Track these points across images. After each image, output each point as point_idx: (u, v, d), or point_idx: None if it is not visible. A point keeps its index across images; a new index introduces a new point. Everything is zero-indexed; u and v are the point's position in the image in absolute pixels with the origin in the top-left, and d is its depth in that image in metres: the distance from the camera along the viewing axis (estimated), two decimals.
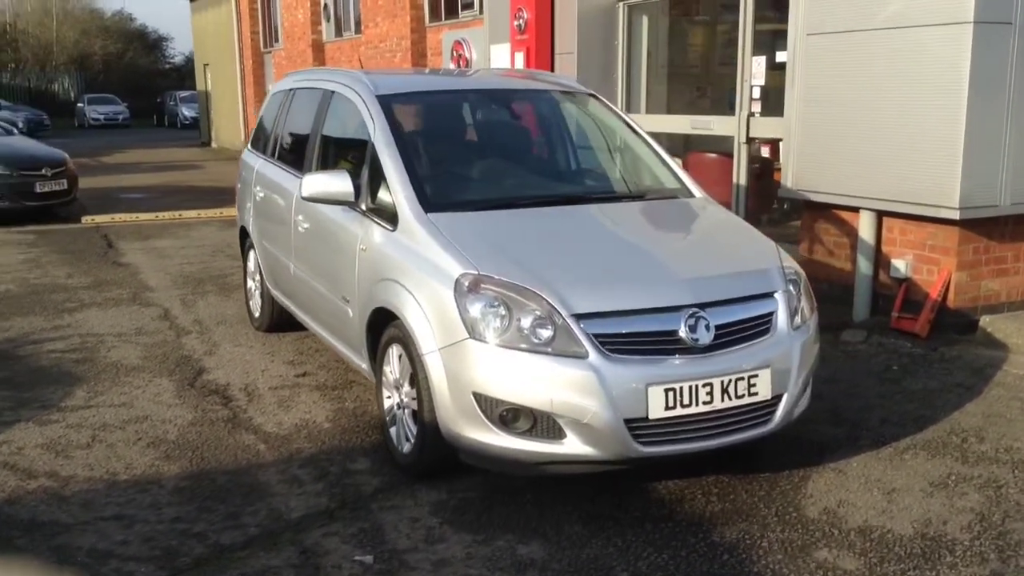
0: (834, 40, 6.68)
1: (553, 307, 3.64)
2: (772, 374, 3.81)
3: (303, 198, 4.59)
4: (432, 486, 4.04)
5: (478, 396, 3.67)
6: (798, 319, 4.08)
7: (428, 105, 5.11)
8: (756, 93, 7.97)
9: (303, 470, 4.25)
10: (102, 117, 40.57)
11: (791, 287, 4.14)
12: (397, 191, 4.32)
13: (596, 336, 3.63)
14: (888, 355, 5.83)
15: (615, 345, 3.64)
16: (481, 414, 3.68)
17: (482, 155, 4.97)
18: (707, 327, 3.73)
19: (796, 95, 7.06)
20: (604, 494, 3.95)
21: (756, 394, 3.79)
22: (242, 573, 3.38)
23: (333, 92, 5.24)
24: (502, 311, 3.66)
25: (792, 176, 7.15)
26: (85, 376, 5.64)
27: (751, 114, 7.99)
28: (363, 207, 4.51)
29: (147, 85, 46.28)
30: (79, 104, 42.35)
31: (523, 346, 3.61)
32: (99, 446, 4.53)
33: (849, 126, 6.58)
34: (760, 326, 3.91)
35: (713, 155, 8.89)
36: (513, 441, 3.66)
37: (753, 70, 8.01)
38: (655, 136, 9.30)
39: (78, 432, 4.71)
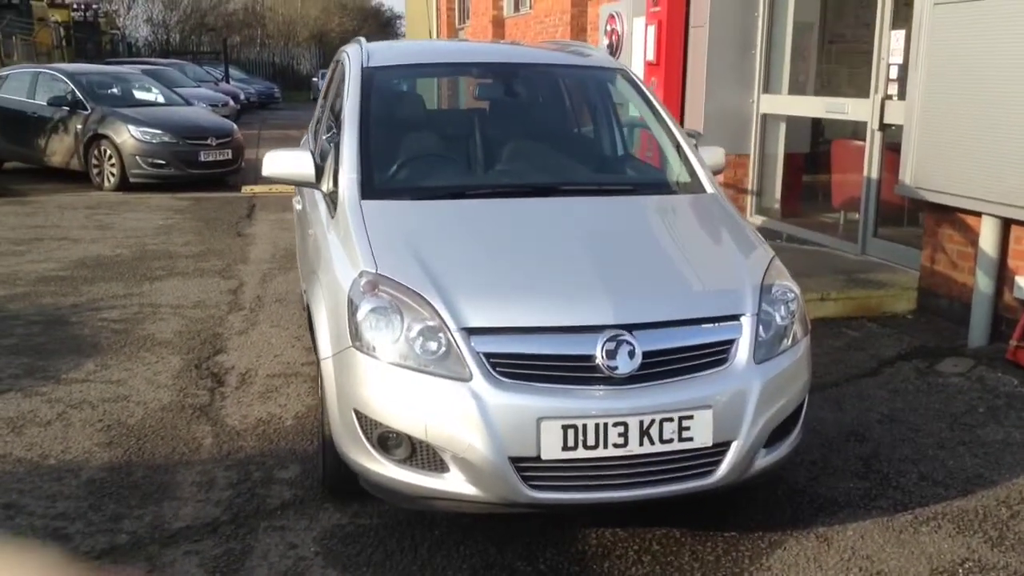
0: (964, 10, 5.59)
1: (441, 318, 3.10)
2: (715, 416, 3.09)
3: (263, 176, 4.25)
4: (341, 506, 3.61)
5: (359, 414, 3.19)
6: (786, 342, 3.33)
7: (419, 79, 4.63)
8: (894, 73, 6.88)
9: (227, 472, 3.94)
10: None
11: (777, 309, 3.37)
12: (342, 173, 3.89)
13: (488, 356, 3.05)
14: (982, 394, 4.80)
15: (510, 368, 3.04)
16: (362, 435, 3.20)
17: (460, 136, 4.43)
18: (630, 354, 3.06)
19: (919, 77, 6.00)
20: (520, 539, 3.38)
21: (690, 440, 3.08)
22: None
23: (339, 63, 4.87)
24: (395, 318, 3.15)
25: (911, 171, 6.10)
26: (108, 348, 5.61)
27: (887, 97, 6.92)
28: (324, 189, 4.11)
29: None
30: (313, 79, 44.58)
31: (405, 361, 3.09)
32: (57, 425, 4.42)
33: (977, 113, 5.50)
34: (710, 356, 3.18)
35: (860, 143, 7.83)
36: (393, 469, 3.16)
37: (891, 46, 6.93)
38: (790, 120, 8.50)
39: (51, 408, 4.63)
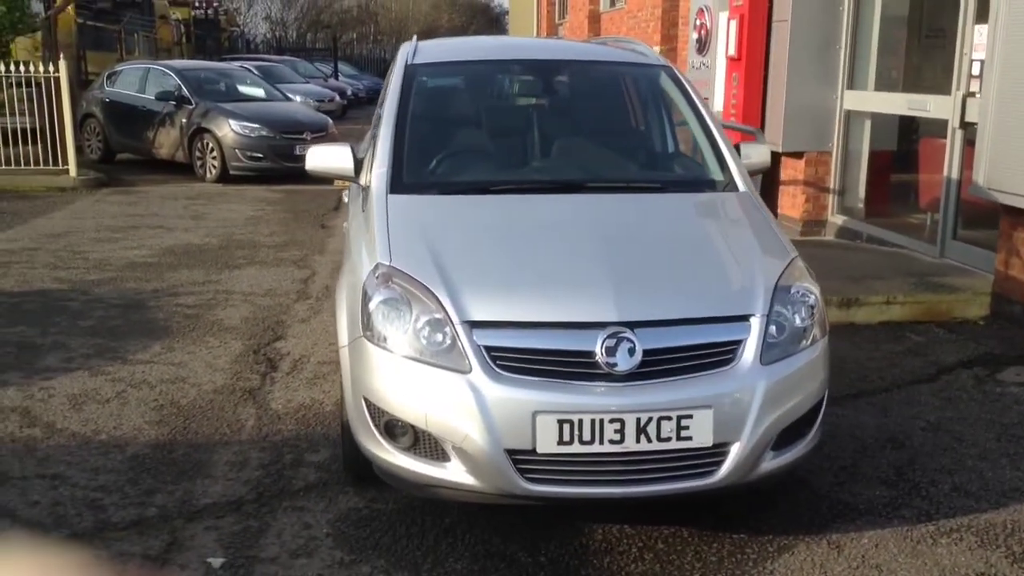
0: None
1: (446, 311, 3.17)
2: (715, 417, 3.07)
3: (307, 170, 4.39)
4: (361, 490, 3.72)
5: (368, 402, 3.29)
6: (805, 342, 3.28)
7: (460, 76, 4.68)
8: (976, 69, 6.62)
9: (261, 453, 4.10)
10: None
11: (796, 311, 3.32)
12: (374, 167, 4.00)
13: (488, 349, 3.10)
14: None
15: (510, 362, 3.09)
16: (371, 422, 3.30)
17: (495, 132, 4.47)
18: (630, 351, 3.06)
19: (995, 72, 5.77)
20: (525, 531, 3.42)
21: (689, 439, 3.06)
22: (95, 554, 3.29)
23: (390, 61, 4.98)
24: (404, 310, 3.24)
25: (984, 171, 5.88)
26: (177, 332, 5.87)
27: (969, 94, 6.67)
28: (362, 183, 4.23)
29: None
30: None
31: (411, 352, 3.17)
32: (114, 403, 4.67)
33: None
34: (715, 356, 3.15)
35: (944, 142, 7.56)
36: (398, 456, 3.24)
37: (974, 40, 6.66)
38: (875, 117, 8.24)
39: (112, 386, 4.90)
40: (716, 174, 4.12)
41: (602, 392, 3.05)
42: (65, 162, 12.66)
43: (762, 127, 8.96)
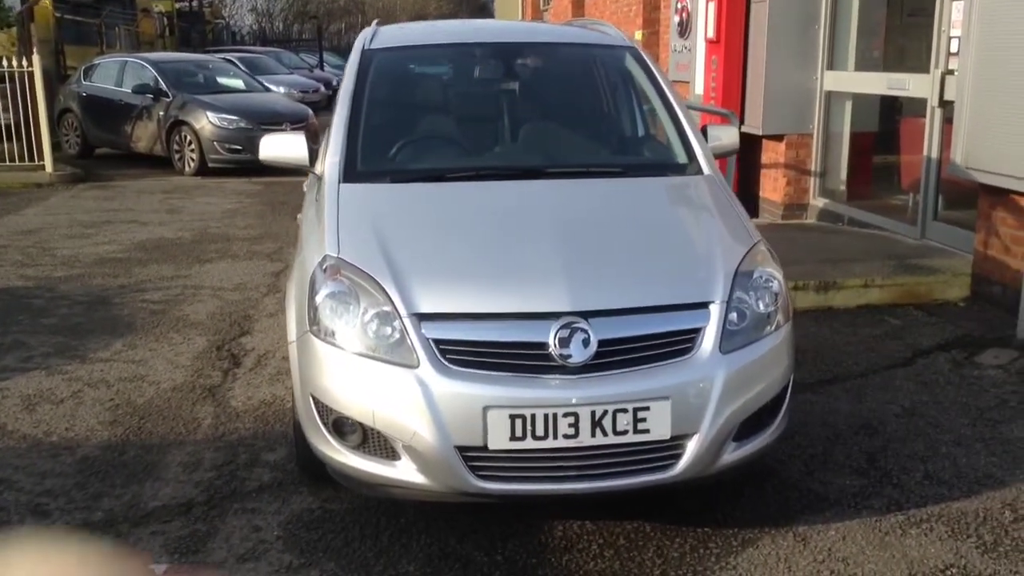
0: None
1: (393, 303, 3.04)
2: (673, 408, 2.95)
3: (260, 159, 4.26)
4: (315, 490, 3.60)
5: (315, 399, 3.17)
6: (768, 328, 3.17)
7: (419, 60, 4.54)
8: (955, 46, 6.49)
9: (215, 454, 3.98)
10: None
11: (759, 296, 3.21)
12: (327, 156, 3.87)
13: (437, 343, 2.98)
14: (1018, 387, 4.50)
15: (460, 355, 2.97)
16: (319, 420, 3.18)
17: (453, 117, 4.34)
18: (585, 342, 2.95)
19: (971, 49, 5.65)
20: (483, 529, 3.31)
21: (646, 431, 2.95)
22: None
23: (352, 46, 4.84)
24: (352, 303, 3.11)
25: (962, 150, 5.76)
26: (140, 328, 5.74)
27: (947, 72, 6.54)
28: (317, 172, 4.10)
29: None
30: None
31: (357, 347, 3.05)
32: (69, 403, 4.54)
33: None
34: (673, 345, 3.04)
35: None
36: (347, 455, 3.12)
37: (952, 17, 6.54)
38: (856, 98, 8.12)
39: (69, 386, 4.77)
40: (680, 157, 4.00)
41: (556, 385, 2.93)
42: (41, 158, 12.50)
43: (742, 110, 8.84)
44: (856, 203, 8.11)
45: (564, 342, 2.94)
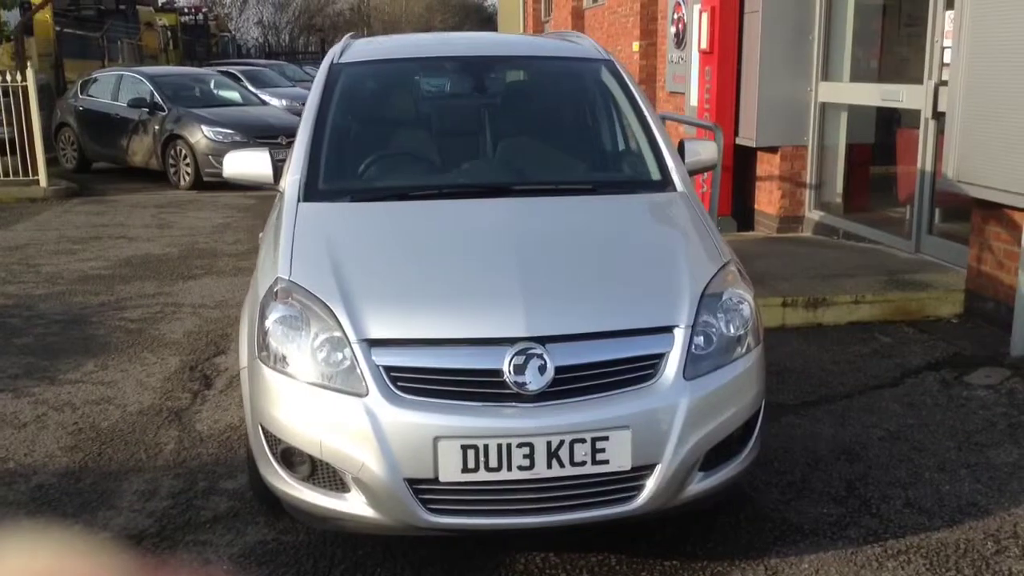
0: None
1: (343, 328, 2.92)
2: (634, 438, 2.82)
3: (224, 177, 4.15)
4: (273, 520, 3.47)
5: (264, 429, 3.05)
6: (735, 353, 3.04)
7: (387, 75, 4.42)
8: (948, 57, 6.36)
9: (174, 481, 3.85)
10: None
11: (730, 319, 3.08)
12: (288, 174, 3.76)
13: (388, 370, 2.86)
14: (1008, 409, 4.35)
15: (412, 383, 2.84)
16: (267, 450, 3.05)
17: (420, 134, 4.22)
18: (541, 368, 2.82)
19: (962, 59, 5.52)
20: (441, 562, 3.17)
21: (605, 463, 2.82)
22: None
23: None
24: (303, 329, 2.99)
25: (953, 163, 5.62)
26: (115, 348, 5.63)
27: (941, 83, 6.41)
28: (280, 189, 3.98)
29: None
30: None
31: (305, 374, 2.92)
32: (31, 427, 4.43)
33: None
34: (635, 371, 2.91)
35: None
36: (296, 487, 2.99)
37: (944, 27, 6.41)
38: (851, 109, 7.98)
39: (33, 409, 4.65)
40: (654, 174, 3.87)
41: (510, 414, 2.80)
42: (36, 173, 12.45)
43: (736, 122, 8.73)
44: (852, 216, 7.97)
45: (519, 369, 2.81)
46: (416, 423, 2.78)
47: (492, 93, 4.43)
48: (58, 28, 18.60)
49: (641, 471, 2.85)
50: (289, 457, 2.98)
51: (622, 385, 2.88)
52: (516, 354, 2.82)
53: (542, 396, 2.82)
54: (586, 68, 4.41)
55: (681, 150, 4.09)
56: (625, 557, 3.18)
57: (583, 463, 2.80)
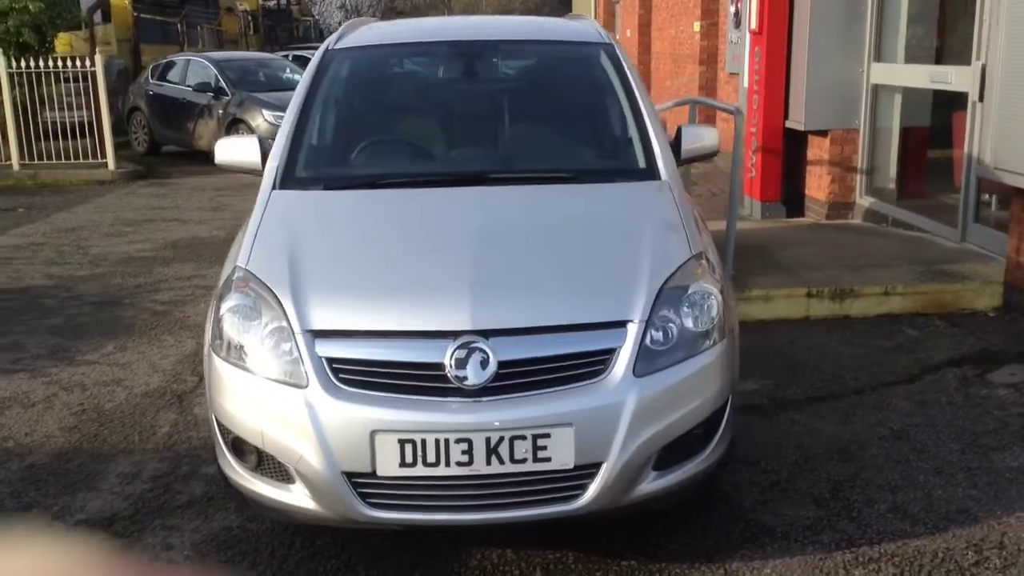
0: None
1: (288, 319, 2.90)
2: (577, 435, 2.74)
3: (216, 163, 4.17)
4: (242, 508, 3.47)
5: (216, 418, 3.06)
6: (698, 348, 2.93)
7: (380, 61, 4.36)
8: None
9: (159, 464, 3.91)
10: None
11: (693, 313, 2.96)
12: (268, 160, 3.76)
13: (331, 361, 2.83)
14: None
15: (354, 376, 2.81)
16: (220, 438, 3.07)
17: (406, 121, 4.15)
18: (483, 363, 2.76)
19: (1000, 37, 5.22)
20: (395, 555, 3.14)
21: (547, 460, 2.74)
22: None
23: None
24: (255, 318, 2.98)
25: (990, 148, 5.34)
26: (139, 329, 5.75)
27: (988, 63, 6.08)
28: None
29: None
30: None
31: (253, 364, 2.92)
32: (39, 407, 4.54)
33: None
34: (583, 367, 2.82)
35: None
36: (246, 477, 3.00)
37: (1001, 6, 6.07)
38: (906, 91, 7.63)
39: (45, 389, 4.78)
40: (639, 162, 3.74)
41: (450, 409, 2.74)
42: (105, 156, 12.82)
43: (786, 104, 8.45)
44: (903, 203, 7.65)
45: (461, 363, 2.75)
46: (354, 416, 2.75)
47: (483, 79, 4.35)
48: (136, 14, 19.05)
49: (585, 470, 2.77)
50: (239, 447, 2.98)
51: (568, 381, 2.80)
52: (458, 348, 2.76)
53: (484, 391, 2.75)
54: (584, 52, 4.30)
55: (679, 137, 3.96)
56: (583, 555, 3.10)
57: (524, 460, 2.73)
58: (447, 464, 2.72)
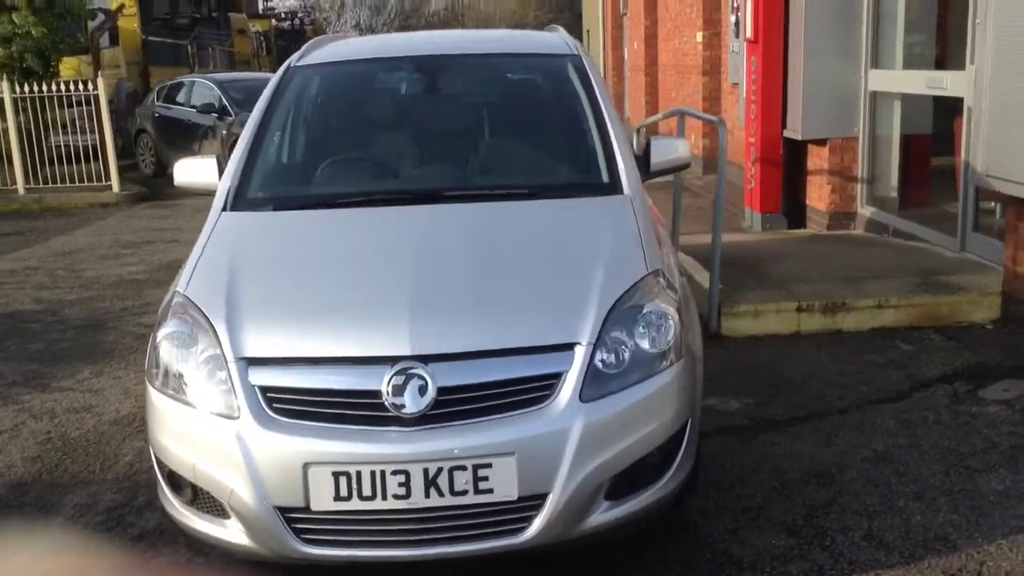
0: None
1: (221, 346, 2.79)
2: (520, 465, 2.61)
3: (175, 185, 4.09)
4: (192, 540, 3.38)
5: (153, 451, 2.96)
6: (653, 370, 2.78)
7: (340, 78, 4.26)
8: None
9: (115, 495, 3.80)
10: None
11: (648, 333, 2.83)
12: (222, 182, 3.66)
13: (265, 390, 2.71)
14: (1016, 428, 3.94)
15: (288, 405, 2.69)
16: (157, 471, 2.96)
17: (362, 139, 4.02)
18: (421, 389, 2.63)
19: (989, 36, 5.06)
20: None
21: (488, 491, 2.61)
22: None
23: None
24: (191, 346, 2.87)
25: (983, 157, 5.17)
26: (118, 354, 5.67)
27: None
28: None
29: None
30: None
31: (186, 394, 2.81)
32: (5, 435, 4.45)
33: None
34: (527, 393, 2.68)
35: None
36: (183, 512, 2.89)
37: (988, 7, 5.91)
38: (905, 98, 7.46)
39: (14, 417, 4.69)
40: (602, 177, 3.61)
41: (386, 439, 2.62)
42: (109, 178, 12.84)
43: (784, 113, 8.30)
44: (903, 212, 7.48)
45: (398, 390, 2.63)
46: (286, 448, 2.63)
47: (445, 94, 4.24)
48: (144, 36, 19.15)
49: (530, 501, 2.64)
50: (175, 480, 2.88)
51: (512, 408, 2.67)
52: (395, 374, 2.64)
53: (423, 419, 2.63)
54: (550, 65, 4.18)
55: (648, 149, 3.83)
56: None
57: (465, 492, 2.60)
58: (384, 497, 2.60)
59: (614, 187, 3.53)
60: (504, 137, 3.98)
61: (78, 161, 12.98)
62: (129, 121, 16.13)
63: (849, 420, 4.14)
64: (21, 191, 12.76)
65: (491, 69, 4.29)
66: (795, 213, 8.63)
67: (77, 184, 12.79)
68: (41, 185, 12.82)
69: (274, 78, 4.12)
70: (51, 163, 12.93)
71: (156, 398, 2.87)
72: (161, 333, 2.93)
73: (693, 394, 2.98)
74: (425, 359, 2.66)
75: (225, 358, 2.76)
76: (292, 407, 2.69)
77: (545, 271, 3.04)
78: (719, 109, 12.54)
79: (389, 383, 2.64)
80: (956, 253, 6.27)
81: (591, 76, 4.01)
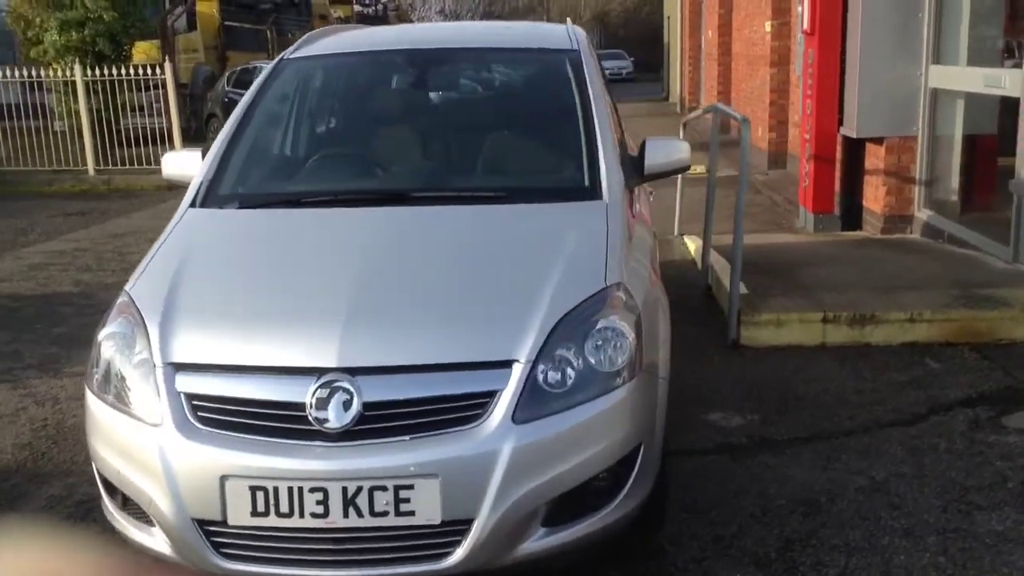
0: None
1: (151, 350, 2.72)
2: (443, 487, 2.47)
3: (164, 177, 4.04)
4: None
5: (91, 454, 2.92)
6: (602, 388, 2.62)
7: (333, 71, 4.15)
8: None
9: (90, 487, 3.75)
10: (608, 71, 42.26)
11: (596, 352, 2.66)
12: (195, 177, 3.60)
13: (190, 397, 2.63)
14: None
15: (212, 414, 2.61)
16: (96, 473, 2.92)
17: (343, 136, 3.92)
18: (346, 404, 2.52)
19: None
20: None
21: (410, 514, 2.48)
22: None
23: None
24: (127, 348, 2.82)
25: None
26: None
27: None
28: None
29: (659, 39, 47.11)
30: None
31: (115, 397, 2.75)
32: (3, 420, 4.50)
33: None
34: (458, 411, 2.54)
35: None
36: (115, 516, 2.84)
37: None
38: (968, 96, 7.04)
39: (18, 402, 4.74)
40: (582, 180, 3.43)
41: (306, 454, 2.51)
42: None
43: (840, 109, 7.94)
44: (961, 218, 7.08)
45: (322, 403, 2.52)
46: (204, 459, 2.54)
47: (433, 90, 4.10)
48: (222, 21, 19.46)
49: (455, 526, 2.50)
50: (109, 484, 2.82)
51: (440, 427, 2.53)
52: (320, 386, 2.53)
53: (346, 435, 2.52)
54: (546, 60, 4.01)
55: (643, 151, 3.64)
56: None
57: (385, 513, 2.48)
58: (301, 515, 2.49)
59: (593, 192, 3.35)
60: (487, 137, 3.82)
61: (150, 143, 13.25)
62: (203, 106, 16.42)
63: (853, 443, 3.89)
64: (91, 172, 13.08)
65: (486, 65, 4.14)
66: (851, 214, 8.26)
67: (145, 167, 13.03)
68: (111, 167, 13.12)
69: (264, 70, 4.04)
70: (122, 145, 13.22)
71: (90, 400, 2.82)
72: (101, 333, 2.87)
73: (651, 416, 2.80)
74: (352, 371, 2.54)
75: (153, 362, 2.68)
76: (215, 416, 2.60)
77: (497, 281, 2.89)
78: (786, 102, 12.14)
79: (313, 395, 2.53)
80: (1008, 264, 5.89)
81: (586, 74, 3.82)
